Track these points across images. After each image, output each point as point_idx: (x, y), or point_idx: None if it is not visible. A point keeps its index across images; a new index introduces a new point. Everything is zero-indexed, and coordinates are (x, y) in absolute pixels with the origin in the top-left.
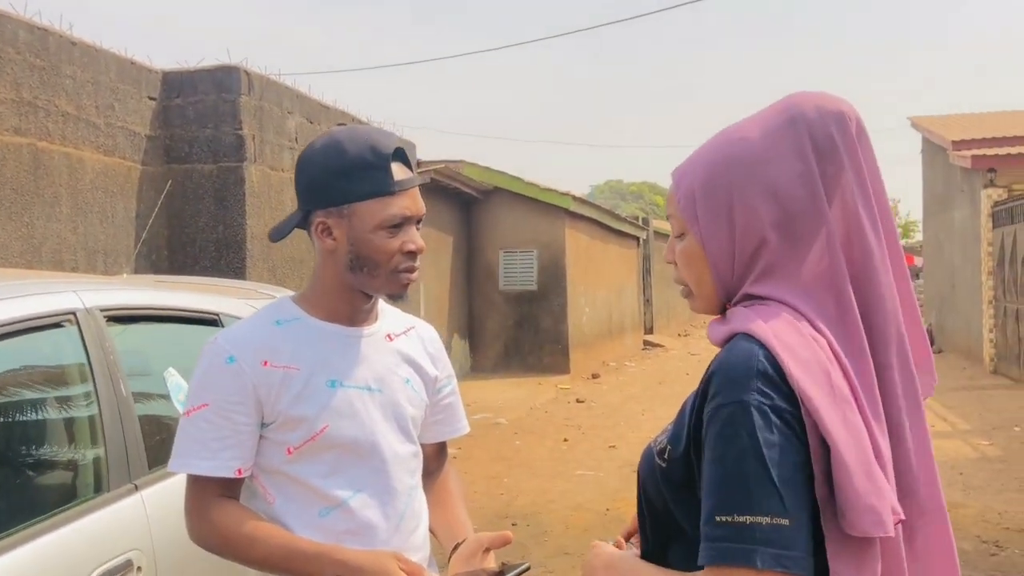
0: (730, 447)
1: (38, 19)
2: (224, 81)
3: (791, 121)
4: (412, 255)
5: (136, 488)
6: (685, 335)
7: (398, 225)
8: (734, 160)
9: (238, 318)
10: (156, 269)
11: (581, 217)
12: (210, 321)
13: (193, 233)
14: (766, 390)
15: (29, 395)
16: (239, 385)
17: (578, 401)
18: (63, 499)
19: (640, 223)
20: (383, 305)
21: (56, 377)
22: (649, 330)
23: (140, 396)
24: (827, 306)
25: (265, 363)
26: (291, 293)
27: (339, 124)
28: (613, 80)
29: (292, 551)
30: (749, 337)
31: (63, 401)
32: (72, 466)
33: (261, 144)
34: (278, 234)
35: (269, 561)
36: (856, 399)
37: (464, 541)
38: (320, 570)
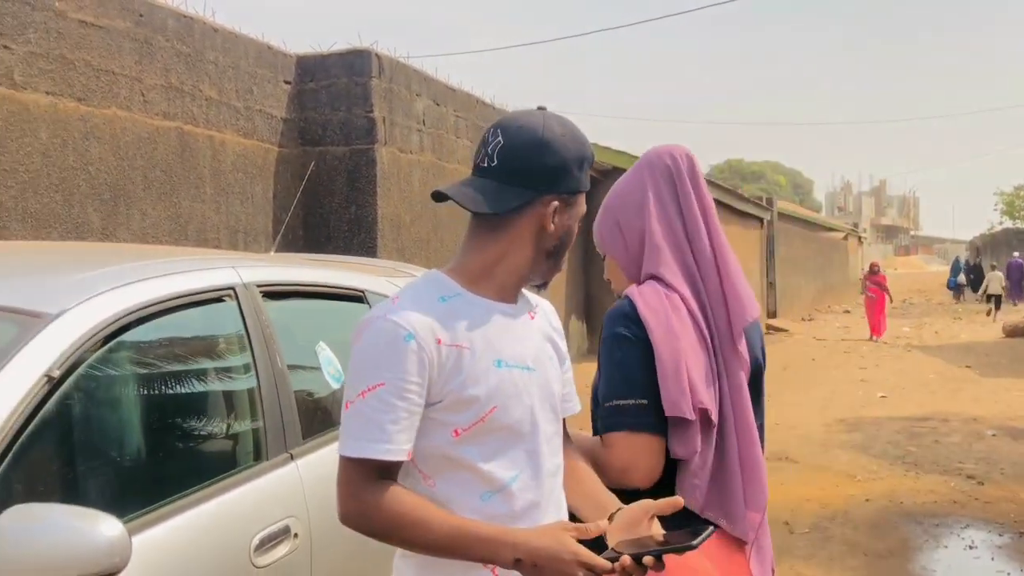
0: (609, 360)
1: (184, 7)
2: (355, 64)
3: (638, 167)
4: None
5: (292, 457)
6: (810, 320)
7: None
8: (614, 202)
9: (383, 295)
10: (292, 248)
11: None
12: (356, 298)
13: (326, 214)
14: (628, 324)
15: (194, 366)
16: (418, 364)
17: None
18: (225, 466)
19: (764, 203)
20: None
21: (218, 349)
22: (772, 314)
23: (293, 369)
24: (681, 280)
25: (439, 341)
26: (425, 269)
27: (472, 107)
28: (736, 57)
29: (465, 534)
30: (627, 297)
31: (224, 373)
32: (233, 435)
33: (391, 126)
34: (499, 206)
35: (438, 544)
36: (701, 338)
37: (620, 509)
38: (495, 553)
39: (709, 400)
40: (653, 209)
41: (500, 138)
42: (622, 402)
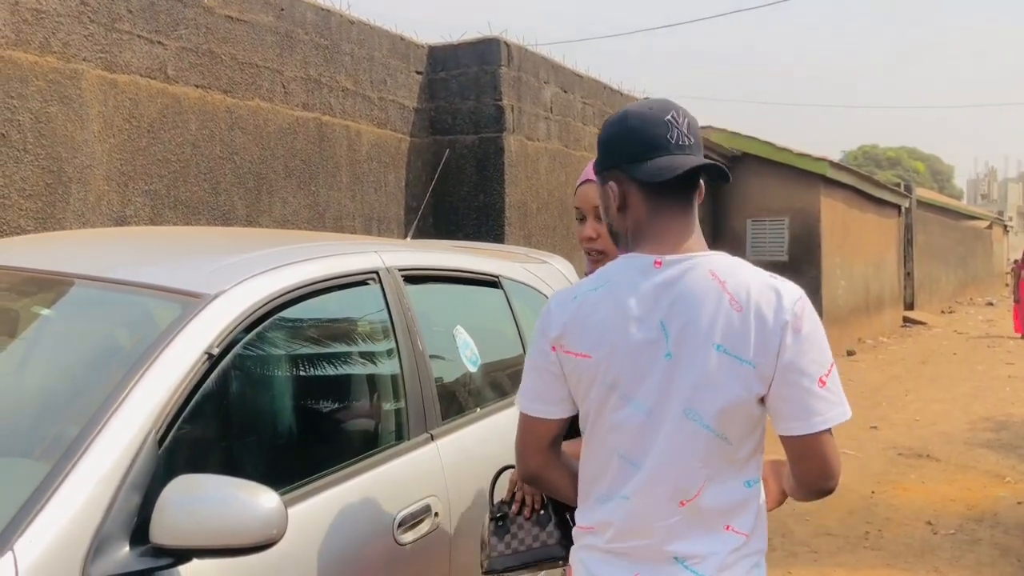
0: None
1: (322, 1)
2: (485, 53)
3: None
4: None
5: (432, 438)
6: (950, 312)
7: None
8: None
9: (517, 280)
10: (422, 235)
11: (837, 184)
12: (491, 283)
13: (456, 201)
14: None
15: (340, 347)
16: None
17: None
18: (369, 445)
19: (903, 190)
20: None
21: (363, 331)
22: (910, 306)
23: (431, 351)
24: None
25: None
26: (555, 255)
27: (596, 94)
28: (866, 38)
29: None
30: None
31: (369, 355)
32: (376, 415)
33: (519, 114)
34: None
35: None
36: None
37: None
38: None
39: None
40: None
41: (686, 117)
42: None
